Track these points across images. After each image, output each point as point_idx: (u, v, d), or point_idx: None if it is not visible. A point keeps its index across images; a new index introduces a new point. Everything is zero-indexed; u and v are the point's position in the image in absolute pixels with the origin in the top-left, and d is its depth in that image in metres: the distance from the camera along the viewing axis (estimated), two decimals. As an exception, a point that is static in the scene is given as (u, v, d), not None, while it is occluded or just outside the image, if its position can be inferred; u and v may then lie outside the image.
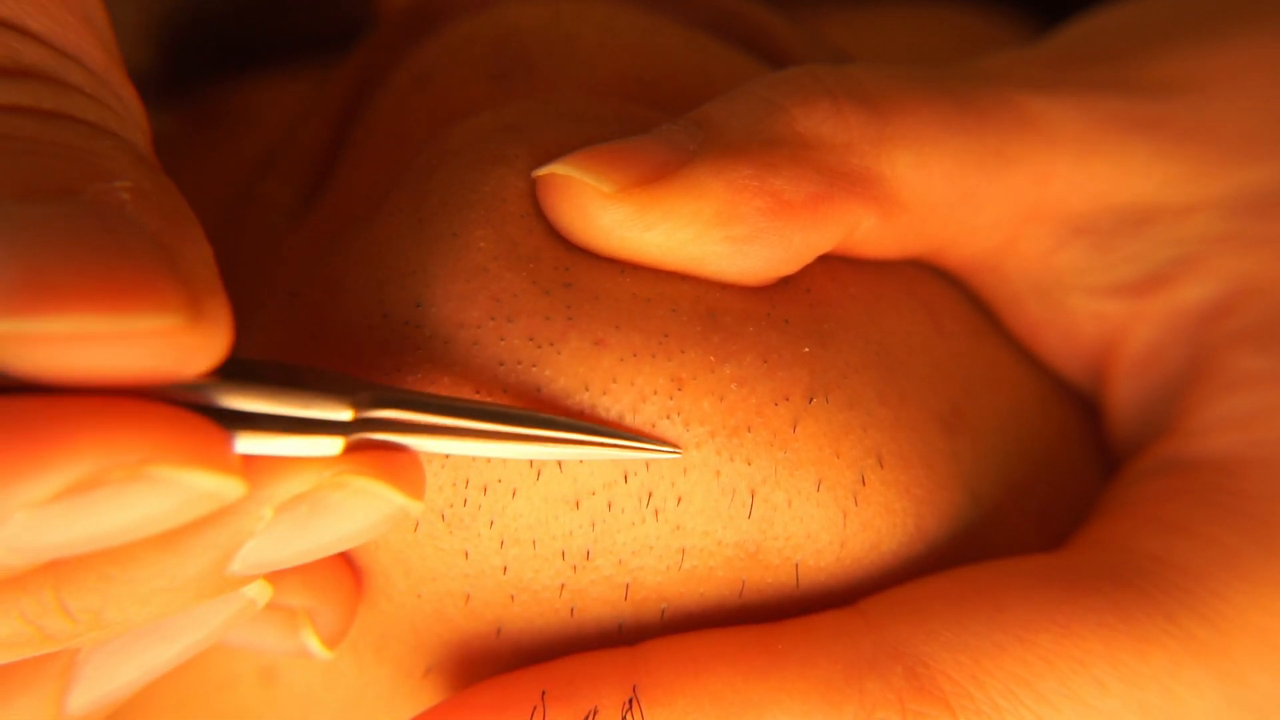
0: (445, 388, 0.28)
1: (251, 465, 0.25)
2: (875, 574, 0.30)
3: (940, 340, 0.32)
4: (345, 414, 0.25)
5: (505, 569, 0.29)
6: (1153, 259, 0.33)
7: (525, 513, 0.29)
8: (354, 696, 0.32)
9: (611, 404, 0.28)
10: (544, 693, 0.28)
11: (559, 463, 0.28)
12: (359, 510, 0.26)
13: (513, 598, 0.29)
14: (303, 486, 0.25)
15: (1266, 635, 0.29)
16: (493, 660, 0.30)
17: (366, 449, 0.26)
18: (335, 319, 0.30)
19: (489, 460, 0.28)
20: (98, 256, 0.22)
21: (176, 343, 0.22)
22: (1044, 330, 0.34)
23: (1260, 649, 0.29)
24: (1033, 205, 0.32)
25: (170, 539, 0.25)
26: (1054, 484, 0.33)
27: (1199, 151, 0.32)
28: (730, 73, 0.34)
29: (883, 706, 0.27)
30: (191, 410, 0.23)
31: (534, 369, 0.28)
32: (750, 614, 0.29)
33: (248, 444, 0.25)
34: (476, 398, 0.28)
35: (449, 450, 0.27)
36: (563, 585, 0.29)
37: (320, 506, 0.26)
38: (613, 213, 0.29)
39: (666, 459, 0.28)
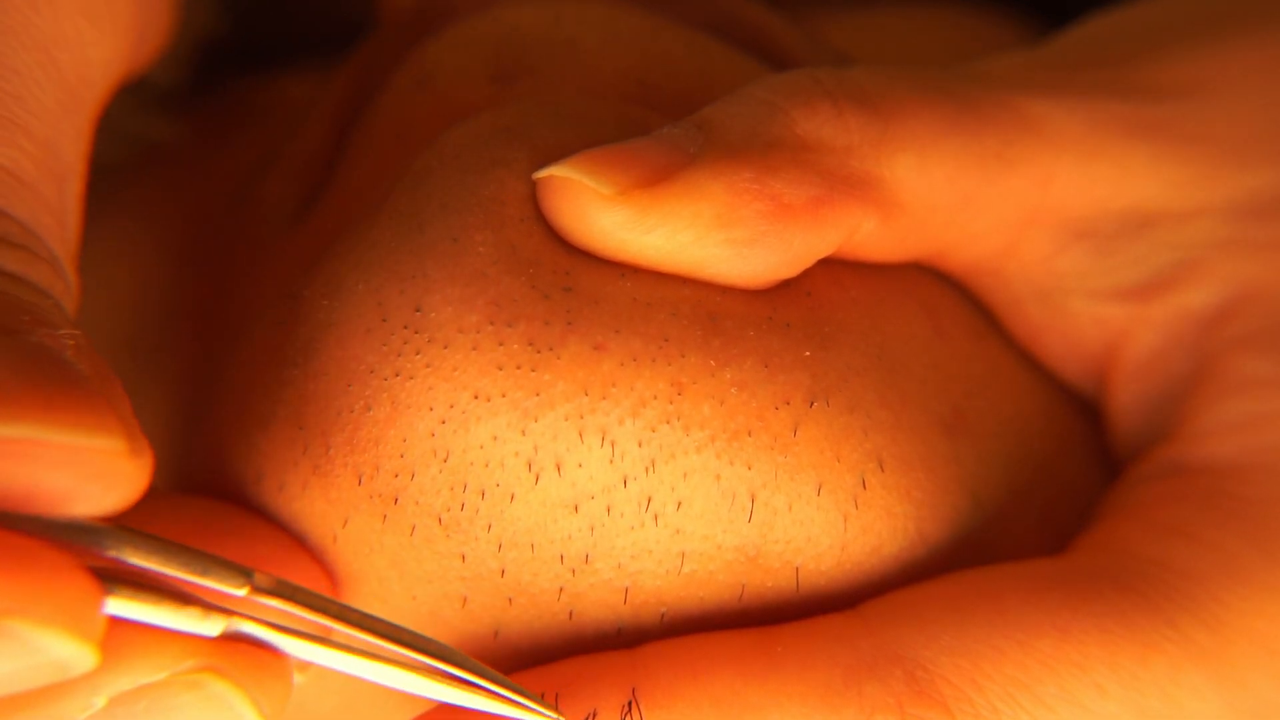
0: (444, 393, 0.28)
1: (111, 633, 0.23)
2: (875, 578, 0.30)
3: (941, 343, 0.32)
4: (240, 590, 0.25)
5: (503, 572, 0.29)
6: (1154, 263, 0.33)
7: (523, 517, 0.28)
8: (349, 699, 0.32)
9: (611, 408, 0.28)
10: (543, 694, 0.28)
11: (558, 467, 0.28)
12: (202, 718, 0.25)
13: (510, 601, 0.29)
14: (153, 675, 0.24)
15: (1267, 641, 0.29)
16: (490, 663, 0.30)
17: (238, 644, 0.25)
18: (334, 322, 0.30)
19: (487, 464, 0.28)
20: (50, 379, 0.23)
21: (112, 466, 0.23)
22: (1045, 334, 0.34)
23: (1261, 654, 0.29)
24: (1034, 208, 0.32)
25: None
26: (1055, 488, 0.33)
27: (1201, 155, 0.32)
28: (731, 75, 0.34)
29: (882, 710, 0.27)
30: (71, 557, 0.22)
31: (533, 373, 0.28)
32: (750, 618, 0.29)
33: (120, 606, 0.23)
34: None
35: (325, 662, 0.26)
36: (561, 589, 0.29)
37: (160, 705, 0.25)
38: (612, 215, 0.29)
39: None
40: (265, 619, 0.25)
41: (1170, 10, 0.35)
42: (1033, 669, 0.28)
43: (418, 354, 0.28)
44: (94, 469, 0.23)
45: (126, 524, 0.24)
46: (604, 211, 0.29)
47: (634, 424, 0.28)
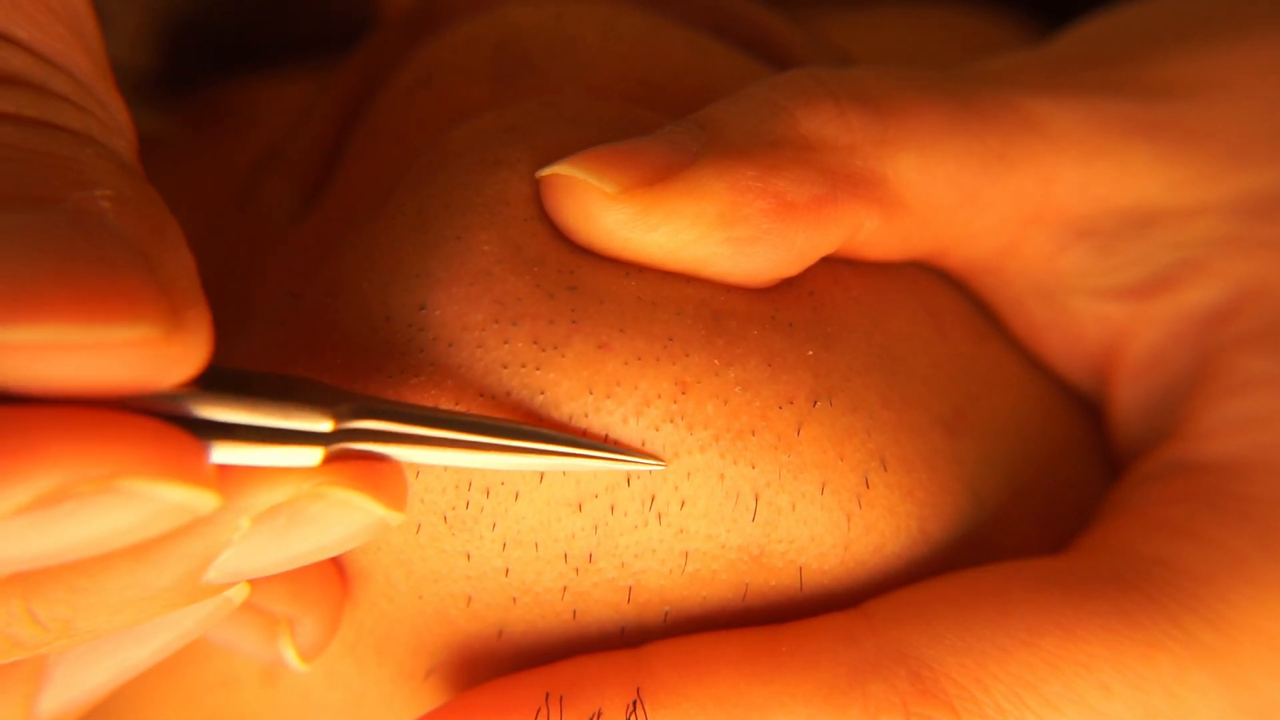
0: (449, 390, 0.28)
1: (228, 475, 0.24)
2: (879, 577, 0.30)
3: (943, 342, 0.32)
4: (325, 425, 0.25)
5: (507, 571, 0.29)
6: (1156, 262, 0.33)
7: (528, 515, 0.29)
8: (355, 698, 0.32)
9: (615, 407, 0.28)
10: (548, 694, 0.28)
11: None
12: (338, 521, 0.26)
13: (515, 600, 0.29)
14: (280, 497, 0.25)
15: (1271, 639, 0.29)
16: (494, 662, 0.30)
17: (346, 459, 0.26)
18: (337, 321, 0.30)
19: None
20: (76, 265, 0.22)
21: (154, 353, 0.22)
22: (1047, 333, 0.34)
23: (1265, 653, 0.29)
24: (1036, 208, 0.32)
25: (143, 549, 0.24)
26: (1057, 487, 0.33)
27: (1203, 154, 0.32)
28: (733, 74, 0.34)
29: (886, 709, 0.27)
30: (165, 421, 0.23)
31: (538, 372, 0.28)
32: (753, 617, 0.29)
33: (224, 454, 0.24)
34: (458, 408, 0.28)
35: (428, 460, 0.27)
36: (565, 588, 0.29)
37: (298, 517, 0.26)
38: (616, 213, 0.29)
39: (655, 469, 0.28)
40: (362, 433, 0.26)
41: (1171, 10, 0.35)
42: (1038, 668, 0.28)
43: (422, 352, 0.28)
44: (134, 358, 0.22)
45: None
46: (607, 210, 0.29)
47: (638, 423, 0.28)
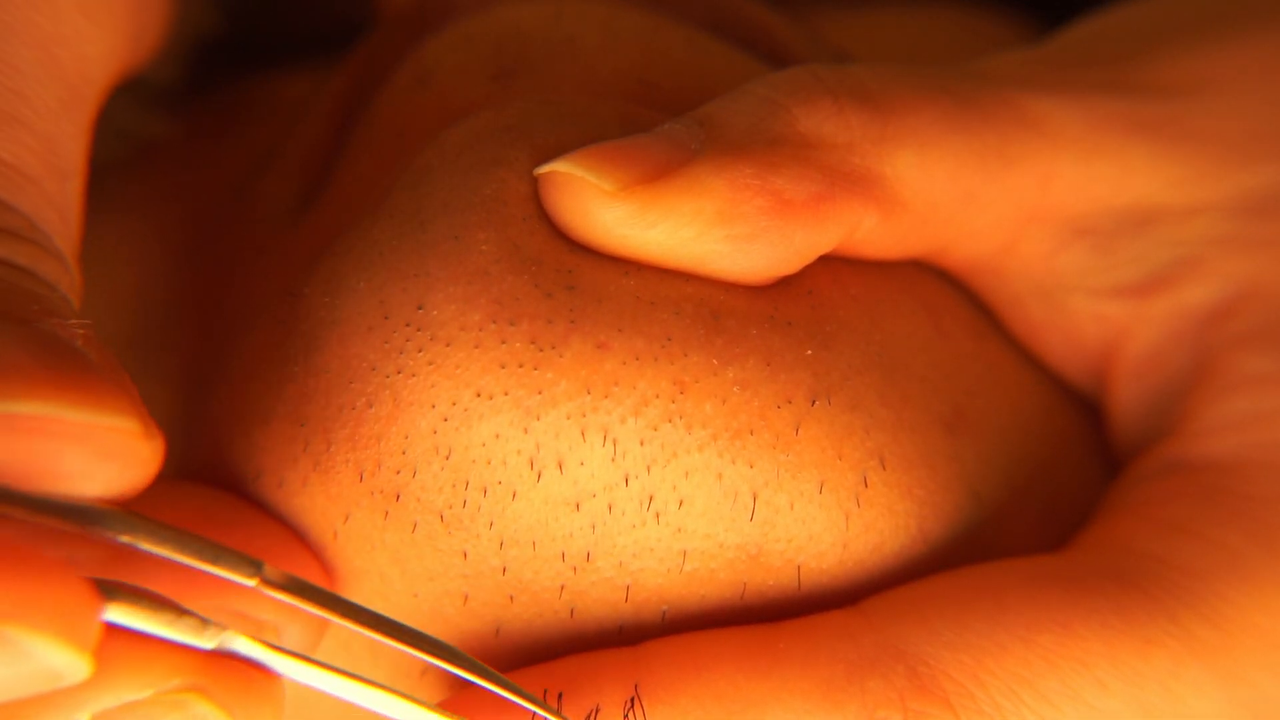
0: (446, 390, 0.28)
1: (102, 647, 0.23)
2: (877, 575, 0.30)
3: (941, 341, 0.32)
4: (249, 581, 0.25)
5: (504, 570, 0.29)
6: (1155, 260, 0.33)
7: (525, 514, 0.29)
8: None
9: (613, 407, 0.28)
10: (545, 691, 0.28)
11: (560, 465, 0.28)
12: None
13: (512, 598, 0.29)
14: (139, 692, 0.24)
15: (1268, 636, 0.29)
16: (491, 661, 0.30)
17: (230, 664, 0.25)
18: (336, 320, 0.30)
19: (489, 461, 0.28)
20: (63, 361, 0.23)
21: (129, 446, 0.23)
22: (1045, 331, 0.34)
23: (1262, 650, 0.29)
24: (1034, 206, 0.32)
25: None
26: (1056, 485, 0.33)
27: (1201, 153, 0.32)
28: (732, 73, 0.34)
29: (884, 706, 0.27)
30: (69, 565, 0.22)
31: (535, 372, 0.28)
32: (751, 616, 0.29)
33: (117, 614, 0.24)
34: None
35: (315, 683, 0.26)
36: (563, 586, 0.29)
37: None
38: (614, 210, 0.29)
39: None
40: (259, 636, 0.26)
41: (1170, 8, 0.35)
42: (1035, 664, 0.28)
43: (420, 351, 0.28)
44: (108, 448, 0.23)
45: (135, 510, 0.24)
46: (605, 207, 0.29)
47: (636, 422, 0.28)
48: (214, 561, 0.25)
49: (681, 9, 0.36)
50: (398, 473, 0.29)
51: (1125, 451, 0.34)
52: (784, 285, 0.30)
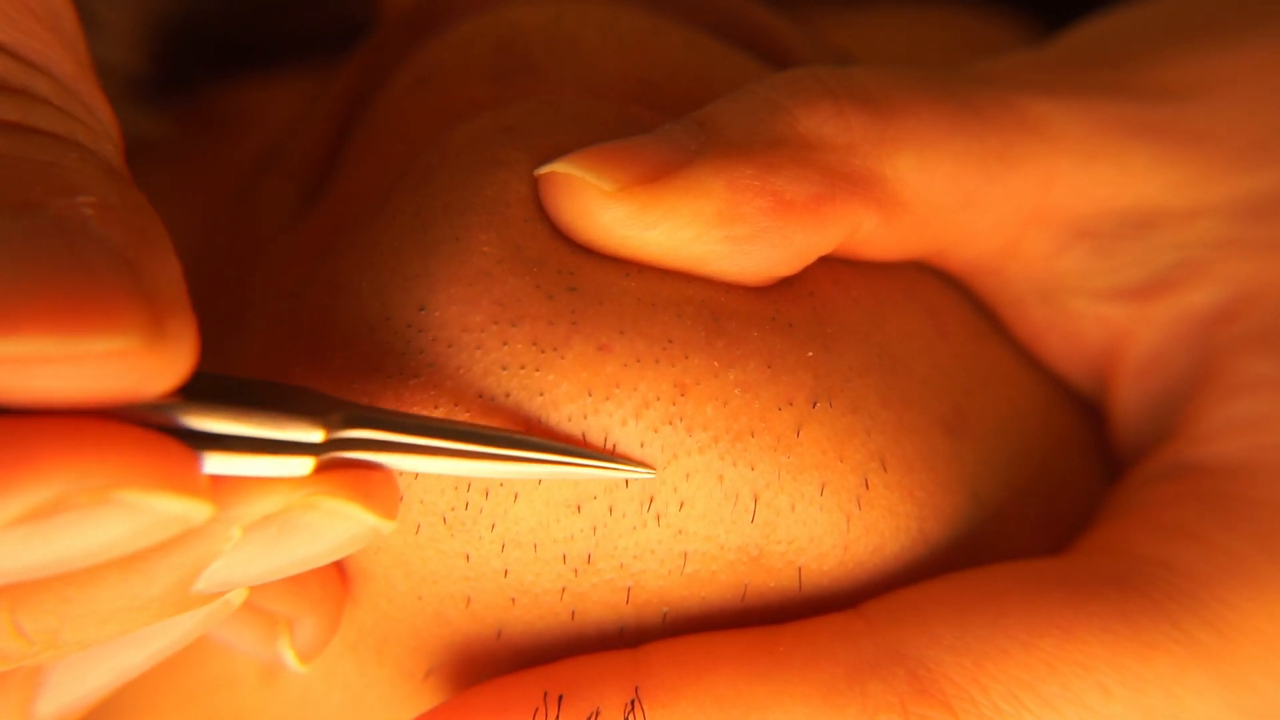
0: (448, 391, 0.28)
1: (219, 485, 0.24)
2: (878, 577, 0.30)
3: (942, 343, 0.32)
4: (316, 435, 0.25)
5: (506, 572, 0.29)
6: (1156, 263, 0.33)
7: (527, 516, 0.29)
8: (354, 697, 0.32)
9: (614, 409, 0.28)
10: (546, 693, 0.28)
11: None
12: (330, 530, 0.26)
13: (514, 600, 0.29)
14: (272, 507, 0.25)
15: (1271, 641, 0.29)
16: (493, 663, 0.30)
17: (338, 468, 0.26)
18: (337, 321, 0.30)
19: None
20: (55, 275, 0.22)
21: (135, 364, 0.22)
22: (1046, 334, 0.34)
23: (1265, 654, 0.29)
24: (1035, 208, 0.32)
25: (133, 560, 0.24)
26: (1057, 487, 0.33)
27: (1203, 156, 0.32)
28: (732, 74, 0.34)
29: (885, 709, 0.27)
30: (158, 431, 0.23)
31: (537, 374, 0.28)
32: (752, 617, 0.29)
33: (216, 464, 0.24)
34: (452, 416, 0.28)
35: (421, 468, 0.27)
36: (564, 589, 0.29)
37: (290, 526, 0.26)
38: (614, 211, 0.29)
39: (646, 477, 0.28)
40: (353, 443, 0.26)
41: (1171, 11, 0.35)
42: (1036, 669, 0.28)
43: (421, 353, 0.28)
44: (116, 370, 0.22)
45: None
46: (605, 207, 0.29)
47: (637, 425, 0.28)
48: (279, 427, 0.25)
49: (682, 10, 0.36)
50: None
51: (1127, 454, 0.34)
52: (785, 287, 0.30)
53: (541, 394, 0.28)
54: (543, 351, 0.28)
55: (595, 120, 0.31)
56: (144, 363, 0.22)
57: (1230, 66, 0.33)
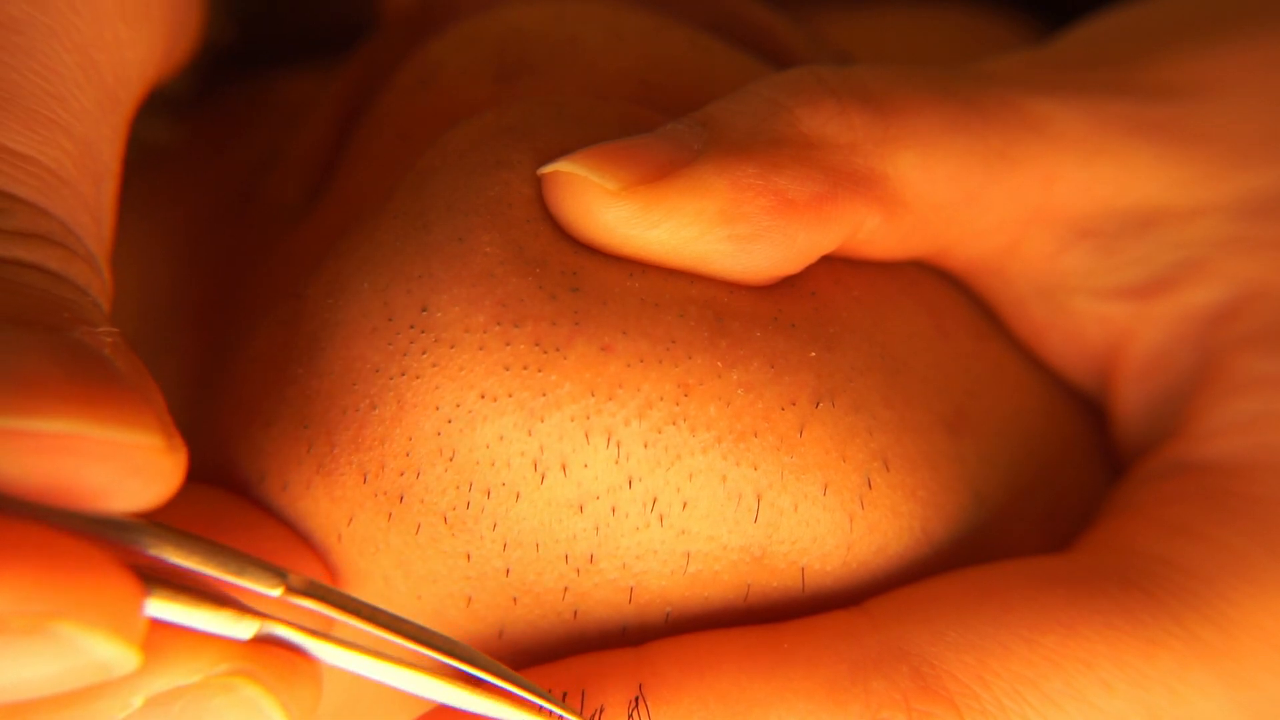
0: (450, 392, 0.28)
1: (148, 637, 0.23)
2: (881, 576, 0.30)
3: (944, 342, 0.32)
4: (275, 590, 0.25)
5: (508, 571, 0.29)
6: (1158, 262, 0.33)
7: (528, 516, 0.29)
8: (352, 697, 0.32)
9: (617, 409, 0.28)
10: (550, 692, 0.28)
11: (563, 467, 0.28)
12: None
13: (515, 600, 0.29)
14: (189, 677, 0.24)
15: (1273, 638, 0.29)
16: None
17: (272, 647, 0.25)
18: (339, 321, 0.30)
19: (493, 463, 0.28)
20: (90, 375, 0.23)
21: (152, 462, 0.23)
22: (1048, 333, 0.34)
23: (1267, 652, 0.29)
24: (1037, 207, 0.32)
25: (20, 708, 0.23)
26: (1059, 486, 0.33)
27: (1205, 154, 0.32)
28: (734, 74, 0.34)
29: (888, 706, 0.27)
30: (113, 558, 0.22)
31: (540, 374, 0.28)
32: (755, 617, 0.29)
33: (159, 608, 0.24)
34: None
35: (356, 668, 0.26)
36: (566, 588, 0.29)
37: (194, 708, 0.25)
38: (616, 210, 0.29)
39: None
40: (296, 622, 0.26)
41: (1173, 9, 0.35)
42: (1039, 666, 0.28)
43: (424, 353, 0.28)
44: (134, 464, 0.23)
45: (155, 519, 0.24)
46: (608, 206, 0.29)
47: (640, 425, 0.28)
48: (240, 574, 0.25)
49: (684, 10, 0.36)
50: (401, 474, 0.29)
51: (1129, 452, 0.34)
52: (787, 287, 0.30)
53: (544, 394, 0.28)
54: (545, 352, 0.28)
55: (597, 120, 0.31)
56: (160, 461, 0.23)
57: (1232, 65, 0.33)
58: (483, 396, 0.28)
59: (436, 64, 0.34)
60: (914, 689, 0.28)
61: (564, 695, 0.28)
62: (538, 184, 0.29)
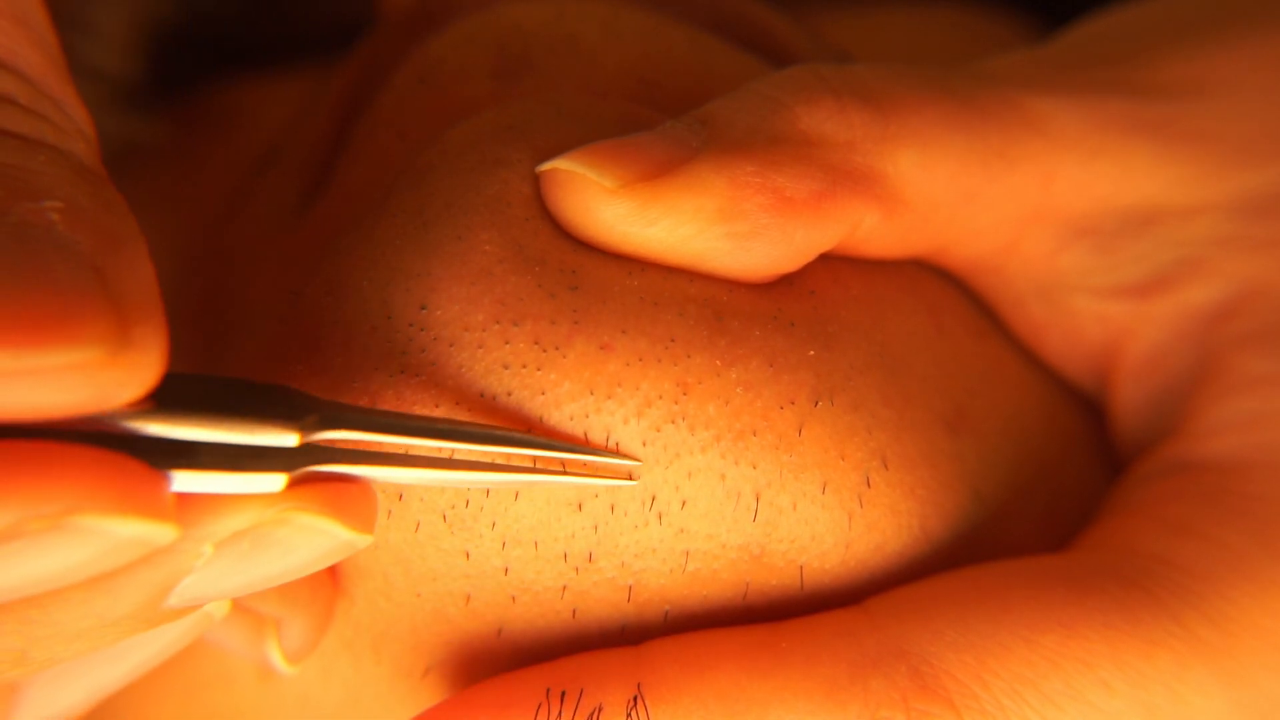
0: (449, 390, 0.28)
1: (189, 501, 0.24)
2: (880, 575, 0.30)
3: (943, 341, 0.32)
4: (291, 438, 0.25)
5: (507, 570, 0.29)
6: (1157, 260, 0.33)
7: (527, 514, 0.29)
8: (352, 696, 0.32)
9: (616, 408, 0.28)
10: (548, 690, 0.28)
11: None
12: (304, 545, 0.26)
13: (514, 599, 0.29)
14: (244, 523, 0.25)
15: (1272, 637, 0.29)
16: (493, 661, 0.30)
17: (312, 481, 0.25)
18: (338, 320, 0.30)
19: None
20: (14, 285, 0.21)
21: (98, 375, 0.22)
22: (1047, 332, 0.34)
23: (1266, 651, 0.29)
24: (1036, 206, 0.32)
25: (98, 580, 0.24)
26: (1058, 485, 0.33)
27: (1204, 153, 0.32)
28: (733, 73, 0.34)
29: (887, 705, 0.27)
30: (118, 451, 0.22)
31: (539, 373, 0.28)
32: (754, 615, 0.29)
33: (184, 482, 0.24)
34: (431, 413, 0.28)
35: (398, 480, 0.27)
36: (565, 587, 0.29)
37: (263, 542, 0.25)
38: (615, 207, 0.29)
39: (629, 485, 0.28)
40: (332, 444, 0.26)
41: (1172, 9, 0.35)
42: (1038, 665, 0.28)
43: (423, 352, 0.28)
44: (80, 382, 0.21)
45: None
46: (606, 204, 0.29)
47: (639, 424, 0.28)
48: (252, 432, 0.25)
49: (683, 8, 0.36)
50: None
51: (1128, 451, 0.34)
52: (786, 285, 0.30)
53: (543, 393, 0.28)
54: (545, 350, 0.28)
55: (596, 119, 0.31)
56: (108, 374, 0.22)
57: (1231, 64, 0.33)
58: (482, 395, 0.28)
59: (435, 62, 0.34)
60: (912, 688, 0.28)
61: (562, 694, 0.28)
62: (536, 182, 0.29)
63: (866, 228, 0.30)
